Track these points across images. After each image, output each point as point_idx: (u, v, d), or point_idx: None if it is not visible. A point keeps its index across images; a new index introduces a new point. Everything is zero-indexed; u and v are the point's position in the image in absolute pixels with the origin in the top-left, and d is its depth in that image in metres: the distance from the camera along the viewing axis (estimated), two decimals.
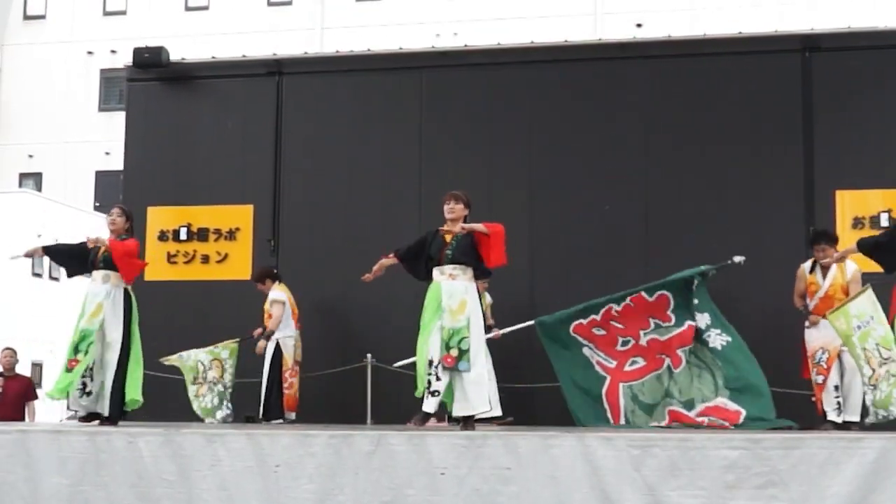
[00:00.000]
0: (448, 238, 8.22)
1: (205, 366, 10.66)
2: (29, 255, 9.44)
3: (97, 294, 8.93)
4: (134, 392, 8.90)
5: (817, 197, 10.78)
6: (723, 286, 10.79)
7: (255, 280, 11.13)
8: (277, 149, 11.88)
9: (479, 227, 8.12)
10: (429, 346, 7.96)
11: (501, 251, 8.16)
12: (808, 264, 9.56)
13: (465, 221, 8.24)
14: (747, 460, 6.40)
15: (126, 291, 9.03)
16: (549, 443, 6.70)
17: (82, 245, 9.27)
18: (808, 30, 11.58)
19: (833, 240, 9.47)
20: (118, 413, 8.86)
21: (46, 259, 24.76)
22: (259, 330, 10.88)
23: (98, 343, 8.86)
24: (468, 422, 7.88)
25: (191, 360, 10.65)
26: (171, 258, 11.90)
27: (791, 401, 10.01)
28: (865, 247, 8.41)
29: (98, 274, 9.00)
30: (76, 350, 8.82)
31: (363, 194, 11.59)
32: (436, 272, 8.19)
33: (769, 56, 11.13)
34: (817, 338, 9.26)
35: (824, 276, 9.39)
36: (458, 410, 7.96)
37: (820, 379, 9.23)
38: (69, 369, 8.80)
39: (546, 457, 6.66)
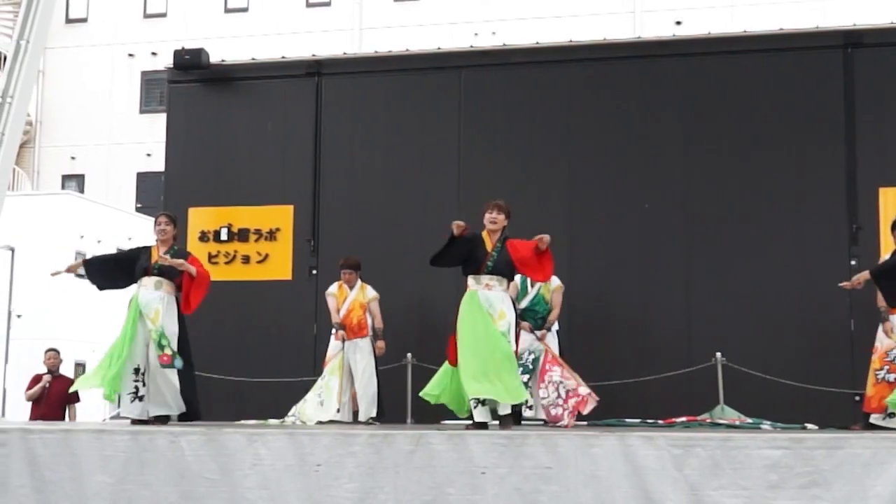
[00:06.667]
0: (489, 248, 8.15)
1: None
2: (70, 270, 9.20)
3: (152, 300, 8.91)
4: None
5: (860, 194, 10.67)
6: (765, 285, 10.74)
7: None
8: (317, 149, 11.92)
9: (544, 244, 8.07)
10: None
11: (550, 268, 8.26)
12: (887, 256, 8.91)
13: (503, 232, 8.20)
14: (790, 460, 6.35)
15: (176, 299, 9.06)
16: (589, 442, 6.67)
17: (131, 252, 9.29)
18: (850, 25, 11.47)
19: None
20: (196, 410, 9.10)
21: None
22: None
23: (146, 347, 8.87)
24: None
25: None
26: (211, 259, 11.96)
27: (836, 401, 9.94)
28: (874, 275, 8.17)
29: (150, 280, 8.97)
30: (118, 356, 8.79)
31: (402, 194, 11.60)
32: (472, 280, 8.11)
33: (810, 52, 11.04)
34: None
35: None
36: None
37: (892, 377, 8.59)
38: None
39: (587, 456, 6.64)
